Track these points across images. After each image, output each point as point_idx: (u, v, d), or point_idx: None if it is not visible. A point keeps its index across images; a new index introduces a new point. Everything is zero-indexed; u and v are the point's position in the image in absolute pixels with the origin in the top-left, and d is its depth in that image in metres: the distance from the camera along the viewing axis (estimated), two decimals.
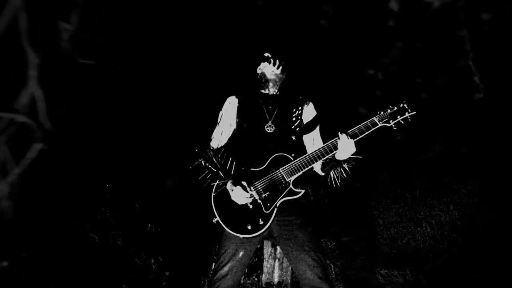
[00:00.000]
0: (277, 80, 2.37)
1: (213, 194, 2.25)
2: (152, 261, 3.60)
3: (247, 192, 2.16)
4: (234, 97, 2.42)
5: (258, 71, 2.38)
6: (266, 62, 2.34)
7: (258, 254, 3.69)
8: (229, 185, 2.20)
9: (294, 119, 2.36)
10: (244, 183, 2.18)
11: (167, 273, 3.53)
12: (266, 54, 2.36)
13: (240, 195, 2.16)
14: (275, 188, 2.22)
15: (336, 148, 2.19)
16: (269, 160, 2.25)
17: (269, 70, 2.35)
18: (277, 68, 2.34)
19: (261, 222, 2.18)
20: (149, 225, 3.96)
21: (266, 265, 3.50)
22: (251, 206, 2.19)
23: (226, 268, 2.22)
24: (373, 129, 2.23)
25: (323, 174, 2.34)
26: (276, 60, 2.33)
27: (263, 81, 2.37)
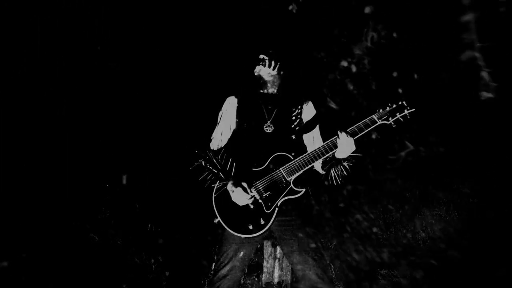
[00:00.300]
0: (275, 80, 2.38)
1: (214, 195, 2.25)
2: (152, 261, 3.60)
3: (248, 193, 2.16)
4: (233, 97, 2.42)
5: (256, 73, 2.39)
6: (261, 65, 2.35)
7: (258, 254, 3.69)
8: (229, 186, 2.20)
9: (293, 118, 2.37)
10: (244, 184, 2.18)
11: (167, 273, 3.52)
12: (261, 56, 2.36)
13: (240, 197, 2.16)
14: (276, 187, 2.22)
15: (336, 147, 2.19)
16: (269, 159, 2.25)
17: (265, 71, 2.36)
18: (273, 70, 2.35)
19: (262, 222, 2.18)
20: (149, 225, 3.96)
21: (266, 265, 3.51)
22: (252, 206, 2.19)
23: (226, 268, 2.22)
24: (372, 127, 2.24)
25: (323, 172, 2.34)
26: (271, 62, 2.34)
27: (261, 82, 2.38)
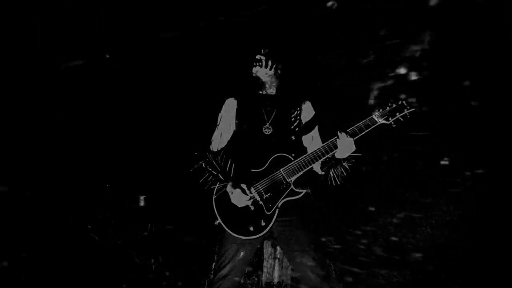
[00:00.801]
0: (273, 80, 2.38)
1: (214, 196, 2.24)
2: (152, 261, 3.60)
3: (246, 195, 2.16)
4: (233, 99, 2.42)
5: (253, 74, 2.39)
6: (258, 66, 2.34)
7: (258, 254, 3.69)
8: (228, 188, 2.19)
9: (293, 119, 2.36)
10: (243, 186, 2.17)
11: (167, 273, 3.52)
12: (257, 57, 2.36)
13: (239, 198, 2.16)
14: (276, 188, 2.22)
15: (336, 147, 2.19)
16: (269, 160, 2.25)
17: (263, 72, 2.36)
18: (270, 69, 2.34)
19: (263, 224, 2.18)
20: (149, 225, 3.96)
21: (266, 265, 3.51)
22: (252, 208, 2.19)
23: (226, 269, 2.21)
24: (372, 127, 2.23)
25: (322, 173, 2.34)
26: (268, 62, 2.33)
27: (260, 82, 2.38)
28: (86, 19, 3.77)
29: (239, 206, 2.18)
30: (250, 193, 2.17)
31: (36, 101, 3.84)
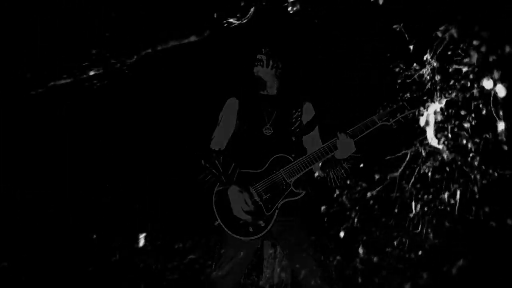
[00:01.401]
0: (274, 80, 2.38)
1: (214, 197, 2.24)
2: (152, 261, 3.61)
3: (248, 207, 2.14)
4: (234, 98, 2.41)
5: (255, 73, 2.39)
6: (259, 65, 2.34)
7: (258, 254, 3.69)
8: (231, 193, 2.16)
9: (293, 120, 2.36)
10: (242, 188, 2.16)
11: (167, 273, 3.53)
12: (258, 56, 2.36)
13: (239, 206, 2.15)
14: (276, 189, 2.22)
15: (335, 148, 2.19)
16: (269, 161, 2.25)
17: (264, 71, 2.35)
18: (271, 69, 2.34)
19: (262, 224, 2.18)
20: (149, 225, 3.97)
21: (266, 265, 3.52)
22: (252, 208, 2.18)
23: (226, 269, 2.21)
24: (372, 128, 2.23)
25: (322, 174, 2.34)
26: (269, 61, 2.33)
27: (261, 82, 2.37)
28: (86, 19, 3.77)
29: (237, 208, 2.16)
30: (251, 194, 2.17)
31: (36, 101, 3.85)
